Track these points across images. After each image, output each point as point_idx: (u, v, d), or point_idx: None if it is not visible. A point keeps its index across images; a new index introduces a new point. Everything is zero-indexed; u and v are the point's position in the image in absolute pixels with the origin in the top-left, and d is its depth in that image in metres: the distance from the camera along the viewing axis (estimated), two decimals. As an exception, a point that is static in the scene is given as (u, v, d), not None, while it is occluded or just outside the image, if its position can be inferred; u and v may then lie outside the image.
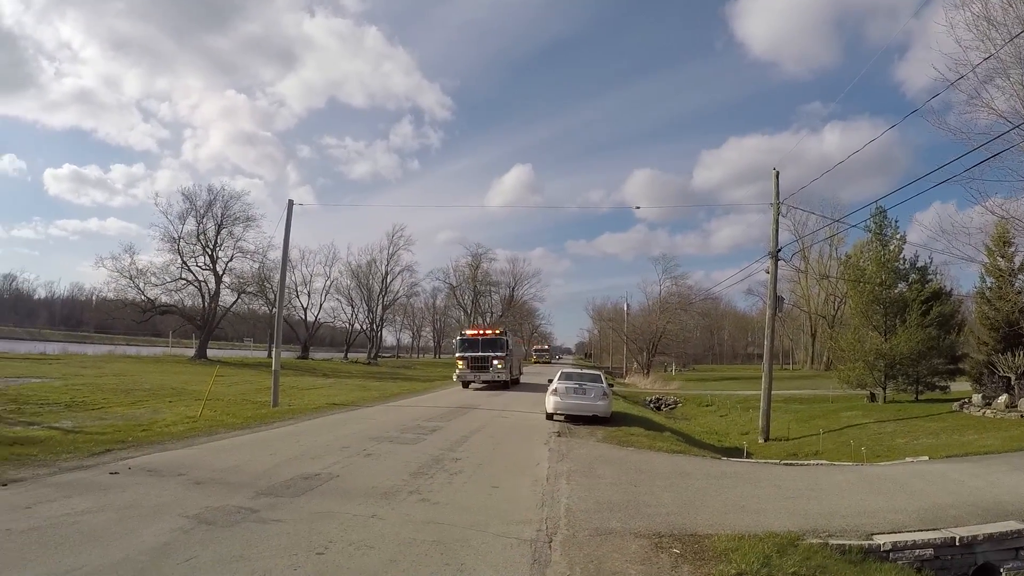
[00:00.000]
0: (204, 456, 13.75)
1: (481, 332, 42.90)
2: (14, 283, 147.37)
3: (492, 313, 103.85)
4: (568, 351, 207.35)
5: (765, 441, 26.27)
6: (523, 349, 73.23)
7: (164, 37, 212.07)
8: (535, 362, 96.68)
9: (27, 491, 9.95)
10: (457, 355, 41.83)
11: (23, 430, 15.78)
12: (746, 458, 18.30)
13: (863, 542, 8.82)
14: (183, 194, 60.68)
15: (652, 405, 46.28)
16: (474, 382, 41.35)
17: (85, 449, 13.65)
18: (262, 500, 9.86)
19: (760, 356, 33.57)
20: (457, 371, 41.35)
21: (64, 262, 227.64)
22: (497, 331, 43.42)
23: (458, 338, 43.48)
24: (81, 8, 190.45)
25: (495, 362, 40.51)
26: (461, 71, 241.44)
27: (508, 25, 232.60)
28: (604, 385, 23.51)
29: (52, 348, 57.30)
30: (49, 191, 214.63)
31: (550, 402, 22.57)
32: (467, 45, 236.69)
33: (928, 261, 34.31)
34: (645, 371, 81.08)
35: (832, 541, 8.68)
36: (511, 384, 42.49)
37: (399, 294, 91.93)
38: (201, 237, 59.77)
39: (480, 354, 40.71)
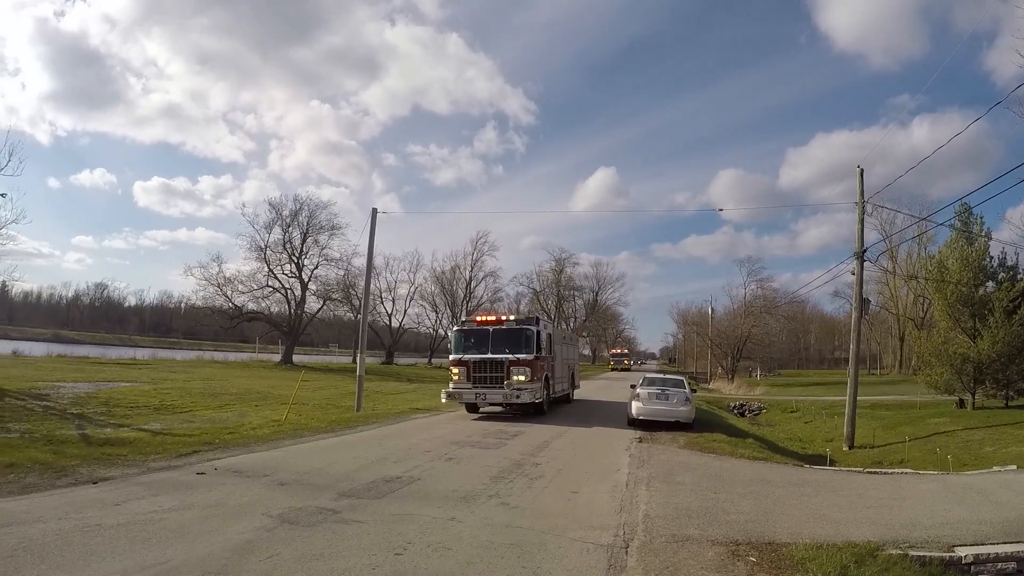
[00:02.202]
0: (288, 458, 13.99)
1: (493, 319, 25.31)
2: (105, 292, 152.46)
3: (576, 318, 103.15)
4: (652, 356, 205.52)
5: (850, 448, 25.66)
6: (577, 349, 45.61)
7: (248, 51, 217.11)
8: (612, 369, 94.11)
9: (117, 489, 10.28)
10: (452, 359, 25.05)
11: (114, 432, 16.22)
12: (829, 466, 17.86)
13: (944, 554, 8.52)
14: (269, 204, 61.85)
15: (736, 411, 45.21)
16: (482, 405, 24.39)
17: (173, 450, 14.03)
18: (344, 501, 10.01)
19: (846, 360, 32.31)
20: (451, 385, 24.27)
21: (154, 271, 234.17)
22: (518, 317, 26.99)
23: (454, 329, 26.30)
24: (165, 26, 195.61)
25: (515, 372, 23.24)
26: (543, 75, 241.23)
27: (588, 26, 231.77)
28: (687, 390, 23.25)
29: (142, 354, 58.76)
30: (139, 203, 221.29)
31: (633, 407, 22.40)
32: (548, 48, 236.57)
33: (1015, 258, 33.09)
34: (729, 376, 79.90)
35: (912, 552, 8.41)
36: (551, 405, 26.85)
37: (483, 300, 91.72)
38: (287, 246, 60.70)
39: (489, 357, 23.63)
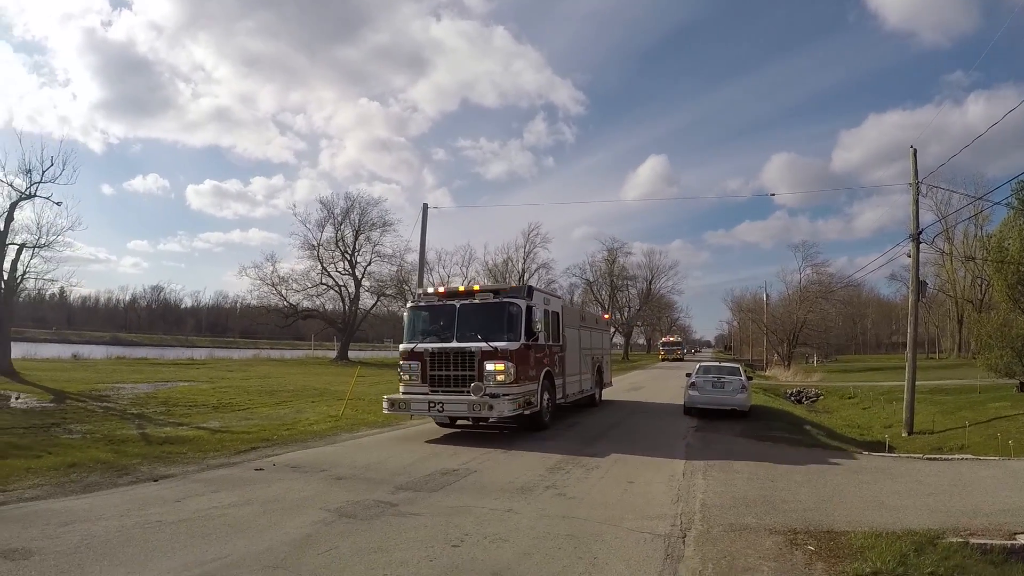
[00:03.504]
0: (346, 453, 14.12)
1: (462, 290, 17.95)
2: (162, 294, 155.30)
3: (629, 307, 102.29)
4: (708, 344, 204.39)
5: (909, 435, 25.20)
6: (607, 336, 31.88)
7: (295, 52, 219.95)
8: (663, 359, 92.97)
9: (177, 486, 10.44)
10: (402, 349, 17.60)
11: (173, 430, 16.43)
12: (888, 452, 17.55)
13: (1006, 542, 8.27)
14: (321, 203, 62.49)
15: (792, 398, 44.62)
16: (439, 419, 18.14)
17: (231, 447, 14.21)
18: (401, 495, 10.07)
19: (904, 345, 31.48)
20: (400, 387, 17.36)
21: (209, 272, 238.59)
22: (499, 286, 18.47)
23: (408, 306, 18.94)
24: (211, 30, 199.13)
25: (489, 368, 16.12)
26: (591, 64, 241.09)
27: (634, 12, 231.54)
28: (743, 378, 23.11)
29: (199, 354, 59.73)
30: (192, 206, 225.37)
31: (688, 396, 22.38)
32: (595, 37, 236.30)
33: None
34: (786, 363, 78.99)
35: (973, 540, 8.18)
36: (561, 414, 20.85)
37: None
38: (340, 243, 61.21)
39: (452, 346, 16.72)
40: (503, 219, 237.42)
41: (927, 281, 35.08)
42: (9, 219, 30.13)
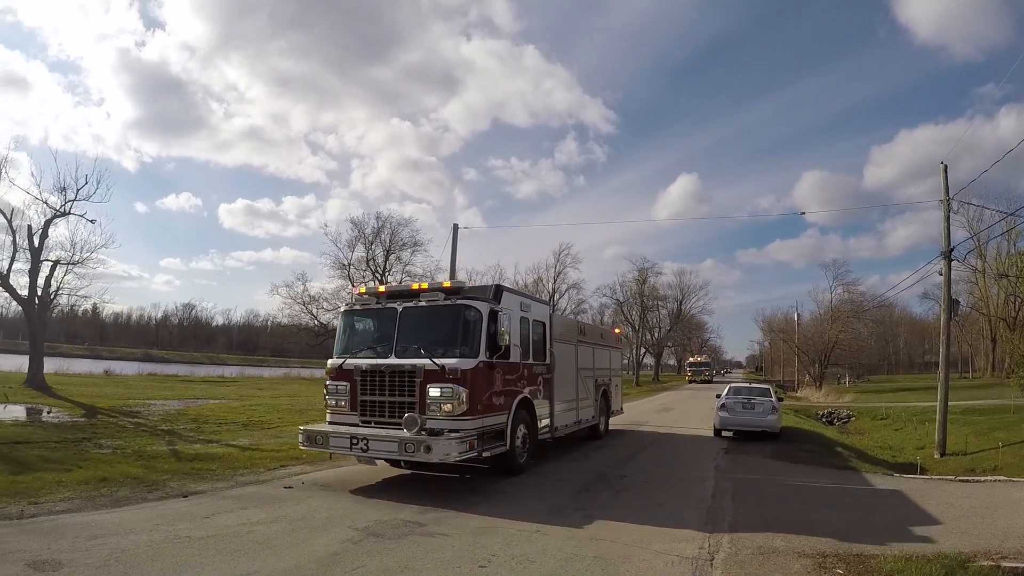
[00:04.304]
0: (374, 472, 14.07)
1: (409, 289, 13.76)
2: (193, 312, 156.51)
3: (660, 328, 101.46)
4: (738, 364, 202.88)
5: (941, 456, 24.85)
6: (617, 355, 25.46)
7: (326, 72, 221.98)
8: (690, 380, 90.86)
9: (206, 502, 10.50)
10: (329, 364, 13.71)
11: (203, 447, 16.51)
12: (919, 474, 17.37)
13: (1038, 566, 8.11)
14: (352, 222, 62.25)
15: (824, 419, 44.17)
16: (363, 460, 12.97)
17: (261, 465, 14.28)
18: (429, 515, 10.04)
19: (937, 364, 31.03)
20: (328, 417, 13.61)
21: (240, 291, 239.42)
22: (453, 284, 13.41)
23: (342, 310, 15.04)
24: (244, 51, 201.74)
25: (432, 394, 12.05)
26: (621, 82, 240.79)
27: (663, 30, 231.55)
28: (773, 399, 22.90)
29: (230, 371, 60.18)
30: (224, 225, 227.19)
31: (718, 418, 22.27)
32: (624, 56, 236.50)
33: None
34: (817, 383, 78.25)
35: (1004, 564, 8.03)
36: (543, 455, 16.12)
37: (566, 312, 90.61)
38: (370, 263, 61.02)
39: (388, 363, 12.71)
40: (534, 239, 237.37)
41: (959, 299, 34.59)
42: (43, 236, 30.60)
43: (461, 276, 54.42)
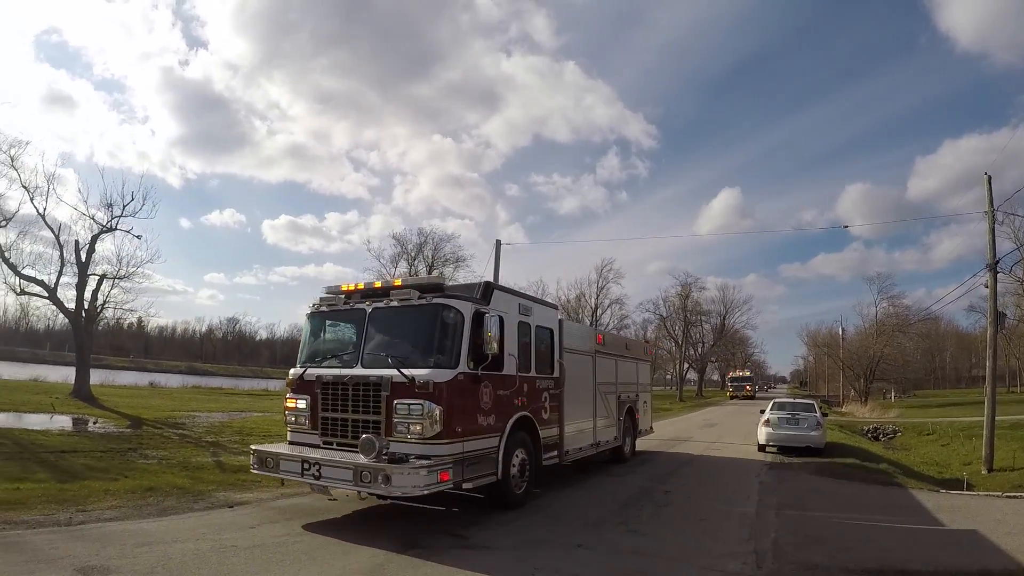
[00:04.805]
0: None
1: (377, 286, 11.79)
2: (237, 326, 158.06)
3: (703, 343, 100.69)
4: (783, 380, 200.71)
5: (988, 472, 24.38)
6: (644, 370, 22.19)
7: (368, 90, 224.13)
8: (731, 396, 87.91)
9: (252, 513, 10.62)
10: (290, 374, 11.81)
11: (247, 459, 16.53)
12: (966, 490, 17.06)
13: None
14: (394, 238, 62.21)
15: (869, 434, 43.44)
16: (317, 489, 10.36)
17: (305, 475, 14.23)
18: (472, 527, 10.03)
19: (984, 379, 30.28)
20: (288, 436, 11.67)
21: (283, 305, 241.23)
22: (428, 281, 11.80)
23: (306, 314, 12.40)
24: (286, 69, 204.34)
25: (400, 412, 10.00)
26: (662, 97, 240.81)
27: (703, 44, 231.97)
28: (818, 414, 22.73)
29: (274, 385, 60.55)
30: (268, 240, 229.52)
31: (762, 433, 22.08)
32: (665, 70, 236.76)
33: None
34: (862, 399, 77.12)
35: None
36: (546, 483, 14.11)
37: (608, 327, 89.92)
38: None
39: (351, 374, 10.76)
40: (576, 254, 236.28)
41: (1006, 312, 33.92)
42: (90, 251, 31.19)
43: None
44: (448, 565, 7.92)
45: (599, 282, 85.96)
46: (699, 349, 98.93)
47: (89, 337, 32.93)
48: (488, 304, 11.37)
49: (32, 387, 35.70)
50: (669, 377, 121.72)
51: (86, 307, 31.56)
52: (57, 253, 31.77)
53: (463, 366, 10.37)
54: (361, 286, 11.97)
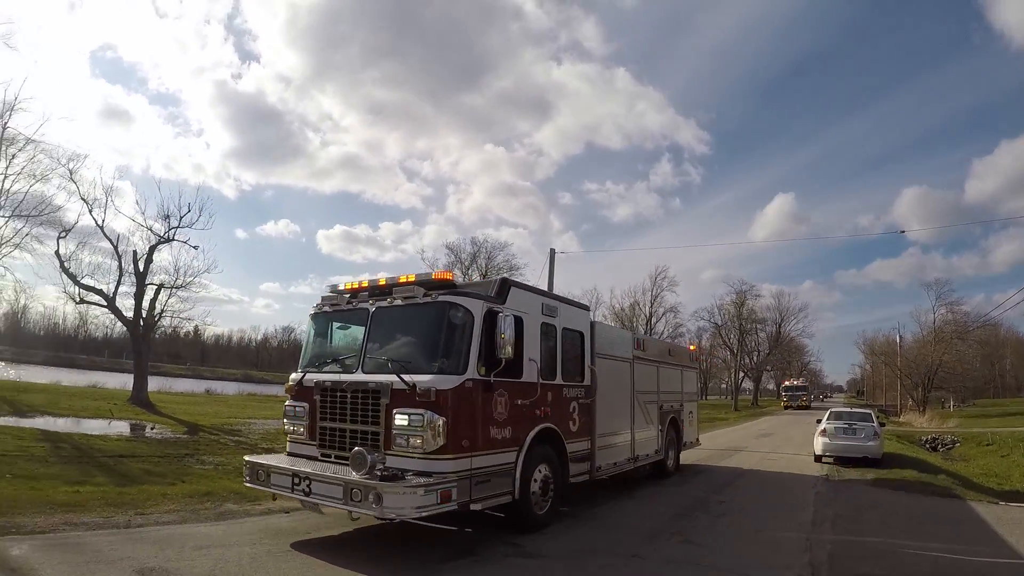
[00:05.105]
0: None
1: (381, 283, 10.72)
2: (292, 334, 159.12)
3: (759, 352, 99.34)
4: (839, 389, 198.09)
5: (1052, 483, 23.87)
6: (691, 377, 20.95)
7: (420, 100, 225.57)
8: (785, 406, 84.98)
9: (309, 518, 10.59)
10: (290, 379, 11.02)
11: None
12: (1028, 502, 16.66)
13: None
14: (448, 248, 62.38)
15: (927, 445, 42.72)
16: (308, 507, 9.34)
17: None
18: (526, 536, 9.97)
19: None
20: (288, 446, 10.72)
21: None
22: (435, 276, 10.33)
23: (309, 315, 11.74)
24: (338, 81, 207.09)
25: (400, 420, 8.94)
26: (714, 103, 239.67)
27: (754, 47, 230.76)
28: (875, 424, 22.39)
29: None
30: (322, 250, 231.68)
31: (818, 443, 21.83)
32: (715, 75, 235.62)
33: None
34: (920, 408, 75.84)
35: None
36: (556, 501, 11.03)
37: (663, 336, 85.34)
38: (467, 288, 60.84)
39: (351, 379, 9.82)
40: (630, 262, 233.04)
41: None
42: (148, 261, 31.82)
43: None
44: (504, 574, 7.98)
45: (653, 290, 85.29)
46: (754, 358, 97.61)
47: (147, 345, 33.50)
48: (504, 303, 10.21)
49: (91, 393, 36.32)
50: (724, 386, 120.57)
51: (144, 316, 32.15)
52: (115, 263, 32.48)
53: (472, 372, 9.26)
54: (365, 283, 11.04)
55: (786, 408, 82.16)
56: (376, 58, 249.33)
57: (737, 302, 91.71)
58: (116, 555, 7.78)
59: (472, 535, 9.76)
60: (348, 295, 11.03)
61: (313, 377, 10.42)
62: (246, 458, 10.28)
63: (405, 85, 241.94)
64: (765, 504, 14.04)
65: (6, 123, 37.73)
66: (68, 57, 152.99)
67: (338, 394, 9.81)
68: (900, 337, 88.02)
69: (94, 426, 22.50)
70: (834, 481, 17.78)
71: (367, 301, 10.42)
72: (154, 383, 39.09)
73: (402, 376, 9.00)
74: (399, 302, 9.92)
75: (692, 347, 25.87)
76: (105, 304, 32.29)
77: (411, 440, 8.76)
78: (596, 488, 14.05)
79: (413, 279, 10.24)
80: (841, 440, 21.40)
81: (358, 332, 10.46)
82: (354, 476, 8.34)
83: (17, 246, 38.85)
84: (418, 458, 8.71)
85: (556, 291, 27.36)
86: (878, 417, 24.62)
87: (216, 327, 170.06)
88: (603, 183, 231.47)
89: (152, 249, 32.22)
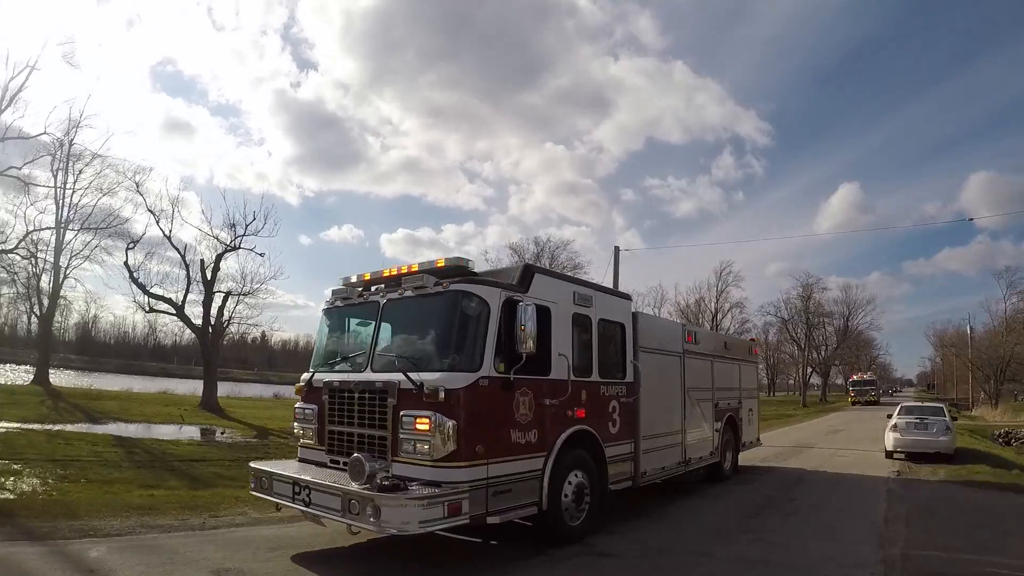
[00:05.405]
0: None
1: (390, 273, 10.09)
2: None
3: (827, 346, 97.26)
4: (909, 383, 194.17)
5: None
6: (750, 372, 19.57)
7: (478, 101, 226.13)
8: (853, 402, 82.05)
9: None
10: (302, 379, 10.34)
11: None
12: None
13: None
14: (511, 248, 62.40)
15: (1000, 439, 41.61)
16: (311, 517, 8.59)
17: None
18: (598, 535, 9.93)
19: None
20: (299, 452, 10.22)
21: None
22: (445, 263, 9.57)
23: (322, 310, 11.00)
24: (396, 85, 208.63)
25: (407, 427, 8.05)
26: (774, 92, 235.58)
27: (812, 33, 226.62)
28: (947, 419, 21.99)
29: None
30: (386, 253, 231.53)
31: (889, 439, 21.54)
32: (774, 64, 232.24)
33: None
34: (993, 401, 73.98)
35: None
36: (592, 511, 9.94)
37: (729, 332, 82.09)
38: (530, 288, 60.81)
39: (358, 379, 9.04)
40: (694, 258, 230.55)
41: None
42: (215, 269, 32.49)
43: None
44: (578, 574, 8.05)
45: (719, 286, 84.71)
46: (822, 352, 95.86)
47: (215, 351, 34.20)
48: (526, 291, 9.16)
49: (161, 399, 37.14)
50: (792, 382, 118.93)
51: (212, 323, 32.81)
52: (183, 272, 33.29)
53: (488, 368, 8.29)
54: (384, 273, 10.21)
55: (853, 404, 79.60)
56: (432, 61, 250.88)
57: (803, 296, 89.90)
58: (192, 556, 7.97)
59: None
60: (360, 288, 10.26)
61: (322, 377, 9.73)
62: (251, 464, 9.84)
63: (462, 87, 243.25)
64: (836, 501, 13.85)
65: (72, 139, 39.05)
66: (129, 73, 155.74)
67: (346, 395, 9.07)
68: (971, 328, 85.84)
69: (165, 431, 23.01)
70: (906, 477, 17.51)
71: (378, 294, 9.61)
72: (223, 388, 39.85)
73: (408, 374, 8.06)
74: (409, 293, 9.00)
75: (752, 339, 25.08)
76: (174, 312, 33.06)
77: (418, 446, 7.90)
78: (664, 488, 13.96)
79: (416, 268, 9.60)
80: (912, 435, 21.06)
81: (366, 327, 9.69)
82: (352, 486, 7.52)
83: (87, 258, 40.39)
84: (427, 466, 7.83)
85: (620, 287, 27.18)
86: (950, 411, 24.16)
87: (283, 332, 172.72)
88: (665, 178, 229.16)
89: (219, 257, 32.91)
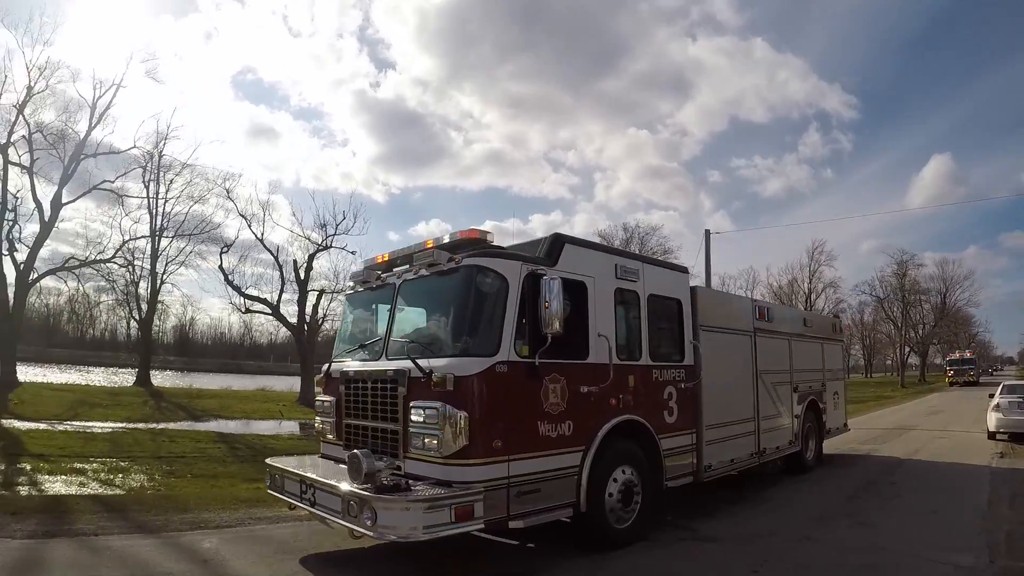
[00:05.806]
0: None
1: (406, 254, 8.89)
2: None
3: (924, 325, 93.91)
4: (1010, 361, 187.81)
5: None
6: (835, 352, 17.73)
7: (558, 91, 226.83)
8: (951, 382, 76.66)
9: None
10: (323, 371, 9.55)
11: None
12: None
13: None
14: (600, 236, 62.12)
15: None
16: (324, 517, 7.37)
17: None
18: (698, 520, 9.99)
19: None
20: (321, 448, 9.57)
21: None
22: (462, 237, 8.35)
23: (344, 296, 13.12)
24: (475, 79, 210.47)
25: (416, 417, 7.17)
26: (857, 64, 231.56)
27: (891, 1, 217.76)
28: (1052, 398, 21.15)
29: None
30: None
31: (992, 419, 20.85)
32: (855, 35, 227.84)
33: None
34: (1100, 380, 71.09)
35: None
36: (647, 510, 8.82)
37: (823, 312, 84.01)
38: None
39: (372, 368, 8.24)
40: (785, 238, 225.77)
41: None
42: (308, 269, 33.29)
43: (715, 282, 43.10)
44: (680, 557, 8.09)
45: (811, 266, 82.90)
46: (920, 331, 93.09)
47: (311, 348, 34.93)
48: (554, 264, 8.11)
49: (260, 396, 38.11)
50: (889, 363, 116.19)
51: (307, 321, 33.59)
52: (277, 273, 34.29)
53: (507, 352, 7.27)
54: (384, 258, 9.42)
55: (951, 383, 75.11)
56: (509, 53, 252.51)
57: (898, 273, 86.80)
58: (301, 546, 8.23)
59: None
60: (379, 270, 9.22)
61: (339, 367, 8.95)
62: (268, 460, 9.14)
63: (541, 77, 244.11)
64: (938, 484, 13.51)
65: (161, 151, 40.50)
66: (211, 84, 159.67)
67: (360, 385, 8.33)
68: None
69: (265, 427, 23.67)
70: (1010, 458, 16.98)
71: (394, 274, 8.78)
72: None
73: (416, 361, 7.26)
74: (424, 272, 8.13)
75: (836, 315, 23.71)
76: (270, 312, 34.03)
77: (427, 440, 7.05)
78: (763, 471, 13.77)
79: (431, 244, 8.52)
80: (1016, 415, 20.31)
81: (384, 311, 8.88)
82: (352, 486, 6.79)
83: (182, 263, 41.91)
84: (437, 463, 7.01)
85: (712, 271, 26.92)
86: (1056, 390, 23.34)
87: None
88: (751, 158, 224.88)
89: (311, 257, 33.71)
